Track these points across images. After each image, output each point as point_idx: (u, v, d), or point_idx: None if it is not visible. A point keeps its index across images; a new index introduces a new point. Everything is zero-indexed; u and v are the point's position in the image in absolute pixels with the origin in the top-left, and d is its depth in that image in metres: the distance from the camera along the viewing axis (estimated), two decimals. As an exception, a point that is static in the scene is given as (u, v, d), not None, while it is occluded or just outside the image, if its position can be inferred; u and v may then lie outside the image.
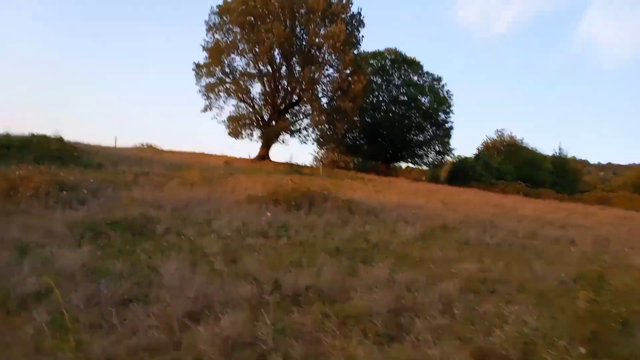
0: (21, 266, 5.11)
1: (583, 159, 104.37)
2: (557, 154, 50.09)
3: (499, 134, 52.85)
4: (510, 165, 47.09)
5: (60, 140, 18.07)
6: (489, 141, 53.44)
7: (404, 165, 48.15)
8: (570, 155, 52.62)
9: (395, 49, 40.52)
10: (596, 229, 16.61)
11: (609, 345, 3.42)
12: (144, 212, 9.65)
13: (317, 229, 10.10)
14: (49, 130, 18.76)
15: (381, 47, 42.10)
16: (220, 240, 7.93)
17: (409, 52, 44.60)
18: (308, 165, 34.05)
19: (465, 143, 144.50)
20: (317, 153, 42.37)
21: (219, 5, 31.88)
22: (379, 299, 4.77)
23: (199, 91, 32.77)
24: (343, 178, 26.64)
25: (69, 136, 19.91)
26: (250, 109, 33.46)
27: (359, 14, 33.25)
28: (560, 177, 46.42)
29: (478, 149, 51.61)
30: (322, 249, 7.91)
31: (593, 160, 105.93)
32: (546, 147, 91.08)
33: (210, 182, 17.16)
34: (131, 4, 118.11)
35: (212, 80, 32.36)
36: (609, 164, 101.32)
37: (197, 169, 18.74)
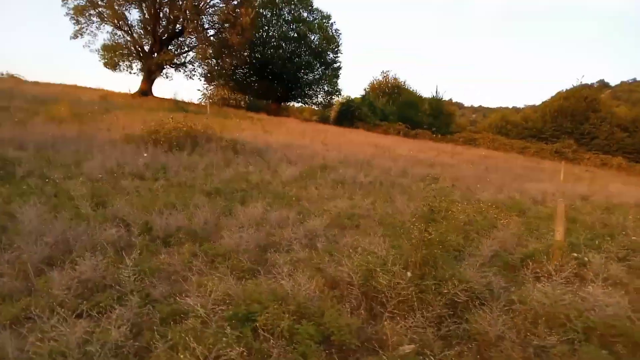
0: None
1: (458, 101, 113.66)
2: (435, 97, 53.69)
3: (384, 75, 55.05)
4: (393, 107, 49.64)
5: None
6: (375, 82, 55.54)
7: (295, 105, 48.44)
8: (446, 98, 56.83)
9: (285, -20, 39.14)
10: (459, 167, 18.67)
11: (436, 269, 4.08)
12: (2, 153, 8.78)
13: (198, 170, 10.03)
14: None
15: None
16: (91, 183, 7.57)
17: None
18: (195, 102, 32.65)
19: (355, 84, 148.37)
20: (206, 89, 40.66)
21: None
22: (248, 237, 5.05)
23: (67, 14, 28.82)
24: (232, 117, 26.08)
25: None
26: (129, 38, 30.43)
27: None
28: (436, 118, 50.08)
29: (365, 90, 53.48)
30: (200, 191, 7.96)
31: (467, 103, 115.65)
32: (426, 90, 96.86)
33: (83, 118, 15.82)
34: None
35: (81, 1, 28.55)
36: (480, 106, 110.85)
37: (67, 104, 17.01)
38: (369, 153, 18.64)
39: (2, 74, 28.89)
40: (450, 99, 61.64)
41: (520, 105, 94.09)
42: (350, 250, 4.56)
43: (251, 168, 11.15)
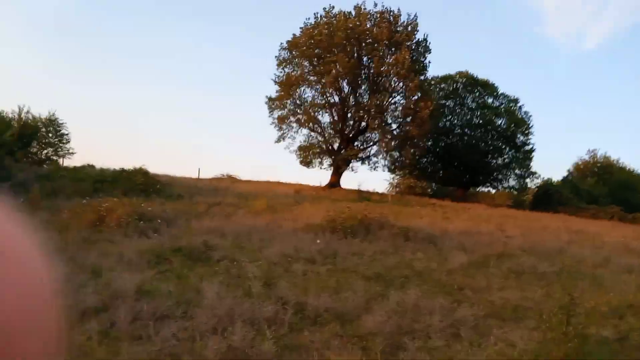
0: (88, 287, 6.10)
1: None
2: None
3: (591, 154, 49.54)
4: (604, 188, 43.79)
5: (145, 173, 20.11)
6: (580, 162, 50.25)
7: (485, 190, 46.59)
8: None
9: (467, 71, 39.97)
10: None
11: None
12: (207, 240, 10.63)
13: (366, 256, 10.46)
14: (137, 164, 20.93)
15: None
16: (267, 266, 8.59)
17: (495, 74, 43.64)
18: (378, 192, 34.23)
19: (555, 165, 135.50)
20: (392, 179, 42.51)
21: (288, 40, 33.85)
22: (385, 321, 5.10)
23: (272, 123, 34.68)
24: (412, 205, 26.54)
25: (156, 169, 22.17)
26: (320, 138, 34.66)
27: (425, 40, 33.66)
28: (662, 198, 42.14)
29: (568, 171, 48.70)
30: (361, 276, 8.29)
31: None
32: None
33: (276, 210, 18.10)
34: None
35: (283, 112, 34.08)
36: None
37: (265, 198, 19.79)
38: (565, 240, 16.63)
39: (223, 175, 35.24)
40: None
41: None
42: (488, 340, 4.23)
43: (419, 255, 11.10)
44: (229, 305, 5.44)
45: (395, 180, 42.30)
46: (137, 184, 18.45)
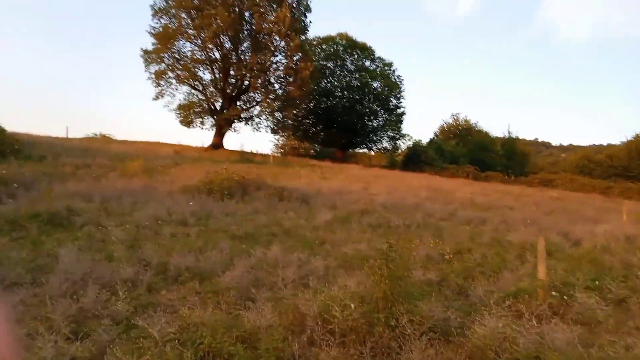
0: None
1: (545, 140, 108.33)
2: (508, 136, 52.03)
3: (455, 117, 54.59)
4: (464, 149, 48.71)
5: (0, 132, 18.06)
6: (445, 125, 55.15)
7: (363, 151, 49.32)
8: (520, 137, 54.95)
9: (347, 33, 41.26)
10: (518, 210, 17.87)
11: (393, 304, 4.33)
12: (70, 205, 10.12)
13: (238, 216, 10.85)
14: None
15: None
16: (135, 229, 8.55)
17: (372, 37, 45.28)
18: (261, 153, 34.57)
19: (426, 127, 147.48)
20: (277, 140, 43.04)
21: (163, -14, 31.50)
22: (242, 276, 5.60)
23: (149, 78, 32.54)
24: (293, 166, 27.36)
25: (17, 127, 19.94)
26: (202, 97, 33.64)
27: (306, -1, 33.75)
28: (509, 159, 48.35)
29: (434, 133, 53.23)
30: (230, 236, 8.66)
31: (555, 142, 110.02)
32: (503, 130, 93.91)
33: (152, 172, 17.58)
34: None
35: (161, 66, 32.15)
36: (571, 145, 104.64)
37: (141, 160, 19.01)
38: (423, 197, 18.53)
39: (96, 135, 32.83)
40: (535, 138, 59.03)
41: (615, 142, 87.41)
42: (327, 286, 4.93)
43: (290, 214, 11.77)
44: (85, 269, 5.47)
45: (280, 142, 42.95)
46: (-9, 142, 16.56)
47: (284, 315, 4.31)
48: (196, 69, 32.61)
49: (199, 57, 32.48)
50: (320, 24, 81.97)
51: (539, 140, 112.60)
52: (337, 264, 6.98)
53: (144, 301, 4.79)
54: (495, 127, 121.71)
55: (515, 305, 4.70)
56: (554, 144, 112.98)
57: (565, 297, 4.95)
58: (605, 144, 78.66)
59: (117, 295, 4.63)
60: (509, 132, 52.53)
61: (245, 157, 28.11)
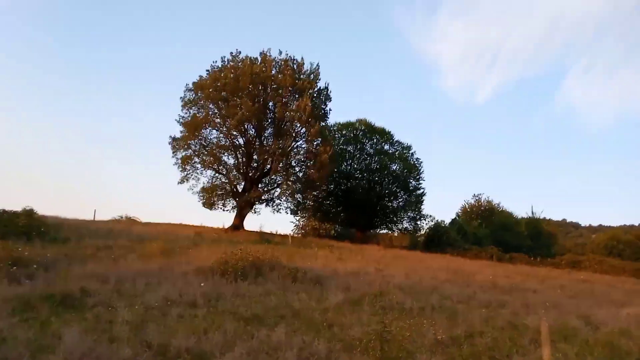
0: None
1: (573, 221, 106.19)
2: (531, 217, 51.19)
3: (477, 198, 54.46)
4: (487, 230, 48.04)
5: (29, 215, 18.86)
6: (466, 205, 54.92)
7: (383, 231, 48.98)
8: (547, 217, 54.00)
9: (366, 119, 43.20)
10: (541, 293, 17.28)
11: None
12: (85, 286, 10.31)
13: (249, 297, 10.79)
14: (27, 205, 19.55)
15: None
16: (144, 310, 8.60)
17: (391, 120, 47.09)
18: (280, 234, 34.78)
19: (448, 207, 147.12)
20: (298, 221, 43.44)
21: (194, 82, 34.41)
22: (240, 358, 5.54)
23: (175, 163, 34.28)
24: (312, 246, 27.30)
25: (47, 210, 20.77)
26: (225, 180, 34.89)
27: (326, 88, 36.09)
28: (534, 240, 47.23)
29: (456, 214, 52.91)
30: (238, 318, 8.60)
31: (584, 222, 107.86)
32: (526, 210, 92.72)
33: (171, 253, 17.80)
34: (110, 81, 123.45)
35: (187, 152, 34.03)
36: (600, 225, 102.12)
37: (161, 241, 19.39)
38: (443, 279, 18.15)
39: (121, 217, 33.84)
40: (563, 219, 57.98)
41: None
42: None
43: (302, 295, 11.64)
44: (85, 349, 5.52)
45: (301, 222, 43.29)
46: (19, 225, 17.27)
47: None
48: (221, 154, 34.23)
49: (224, 143, 34.42)
50: (342, 108, 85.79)
51: (567, 220, 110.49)
52: (340, 346, 6.83)
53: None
54: (520, 207, 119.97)
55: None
56: (583, 225, 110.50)
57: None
58: (636, 224, 76.56)
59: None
60: (532, 212, 51.78)
61: (264, 238, 28.32)
